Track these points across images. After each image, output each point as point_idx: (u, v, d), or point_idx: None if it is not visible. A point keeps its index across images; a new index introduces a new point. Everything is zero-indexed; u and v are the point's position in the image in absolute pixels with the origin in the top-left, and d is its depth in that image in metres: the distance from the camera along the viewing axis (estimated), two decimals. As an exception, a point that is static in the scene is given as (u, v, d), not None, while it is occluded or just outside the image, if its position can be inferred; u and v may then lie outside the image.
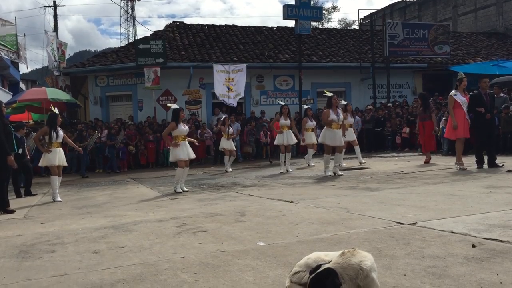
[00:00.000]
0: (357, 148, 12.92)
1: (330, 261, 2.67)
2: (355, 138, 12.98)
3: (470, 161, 9.99)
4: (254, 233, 4.75)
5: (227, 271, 3.46)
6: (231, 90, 15.74)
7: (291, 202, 6.71)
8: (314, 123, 12.91)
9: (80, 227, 5.82)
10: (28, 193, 10.35)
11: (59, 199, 9.06)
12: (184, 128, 9.42)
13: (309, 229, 4.73)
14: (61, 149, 9.46)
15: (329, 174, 10.27)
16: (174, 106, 9.76)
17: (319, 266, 2.65)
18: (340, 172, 10.33)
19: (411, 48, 21.41)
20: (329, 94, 10.77)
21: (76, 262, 4.03)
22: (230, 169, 13.49)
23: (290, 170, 11.98)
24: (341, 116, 10.60)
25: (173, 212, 6.56)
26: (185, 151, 9.35)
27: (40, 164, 9.60)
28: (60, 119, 9.74)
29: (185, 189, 9.30)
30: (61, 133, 9.45)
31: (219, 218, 5.81)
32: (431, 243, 3.81)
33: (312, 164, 13.14)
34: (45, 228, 5.97)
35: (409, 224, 4.60)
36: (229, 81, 16.11)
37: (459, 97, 9.61)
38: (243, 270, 3.45)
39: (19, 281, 3.58)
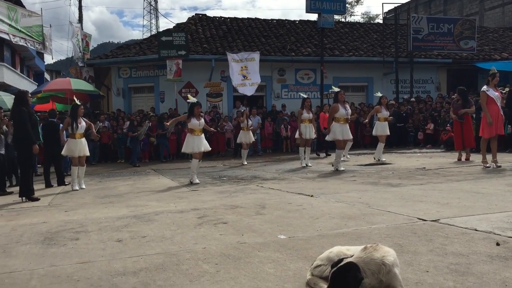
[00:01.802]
0: (381, 145, 12.41)
1: (352, 256, 2.67)
2: (387, 134, 12.35)
3: (503, 159, 9.81)
4: (274, 226, 4.76)
5: (248, 262, 3.48)
6: (247, 78, 15.63)
7: (312, 196, 6.70)
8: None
9: (103, 216, 5.92)
10: (62, 183, 10.43)
11: (76, 187, 9.30)
12: (197, 122, 9.54)
13: (330, 223, 4.72)
14: (83, 140, 9.62)
15: (342, 169, 10.22)
16: (192, 99, 9.89)
17: (341, 260, 2.65)
18: (341, 168, 10.32)
19: (435, 43, 21.08)
20: (336, 89, 10.90)
21: (99, 250, 4.10)
22: (246, 162, 13.57)
23: (310, 164, 11.94)
24: (349, 110, 10.70)
25: (193, 204, 6.61)
26: (196, 144, 9.53)
27: (62, 153, 9.80)
28: (82, 110, 9.87)
29: (197, 181, 9.40)
30: (83, 124, 9.61)
31: (239, 210, 5.83)
32: (454, 240, 3.76)
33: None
34: (69, 216, 6.08)
35: (431, 220, 4.55)
36: (245, 69, 16.04)
37: (492, 93, 9.35)
38: (264, 262, 3.46)
39: (45, 267, 3.66)
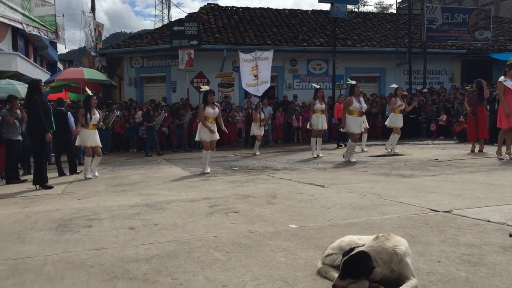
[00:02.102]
0: (395, 136, 12.21)
1: (364, 245, 2.67)
2: (400, 125, 12.20)
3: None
4: (285, 215, 4.76)
5: (259, 251, 3.49)
6: (257, 77, 15.37)
7: (323, 186, 6.69)
8: (324, 106, 12.17)
9: (116, 204, 5.97)
10: (74, 172, 10.49)
11: (89, 176, 9.40)
12: (212, 110, 9.50)
13: (341, 213, 4.72)
14: (95, 131, 9.68)
15: (354, 160, 10.13)
16: (205, 88, 9.89)
17: (352, 249, 2.64)
18: (353, 159, 10.17)
19: (450, 33, 20.83)
20: (353, 82, 10.71)
21: (112, 237, 4.15)
22: (258, 152, 13.62)
23: (321, 155, 11.90)
24: (364, 104, 10.57)
25: (205, 193, 6.64)
26: (208, 134, 9.51)
27: (76, 143, 9.88)
28: (95, 100, 9.90)
29: (208, 170, 9.42)
30: (97, 115, 9.68)
31: (250, 200, 5.85)
32: (467, 231, 3.74)
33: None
34: (82, 204, 6.15)
35: (444, 211, 4.52)
36: (255, 68, 15.71)
37: (509, 83, 9.20)
38: (275, 250, 3.47)
39: (58, 253, 3.71)
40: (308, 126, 12.87)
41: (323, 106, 12.06)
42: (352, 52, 20.64)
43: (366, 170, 8.65)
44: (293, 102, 19.18)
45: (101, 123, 10.39)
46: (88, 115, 9.43)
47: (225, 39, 19.76)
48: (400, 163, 9.54)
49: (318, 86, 12.44)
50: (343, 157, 10.55)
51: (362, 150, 12.93)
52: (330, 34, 20.81)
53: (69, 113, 11.10)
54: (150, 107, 17.10)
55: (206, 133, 9.50)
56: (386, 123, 12.75)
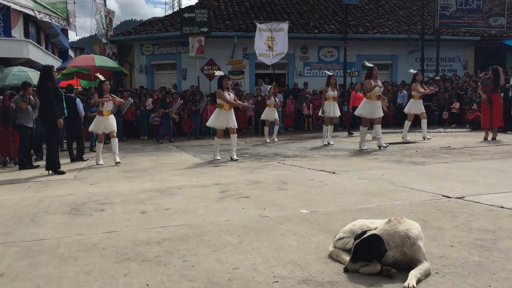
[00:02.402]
0: (408, 123, 11.98)
1: (376, 228, 2.66)
2: (423, 111, 12.03)
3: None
4: (296, 201, 4.76)
5: (270, 235, 3.50)
6: (272, 49, 15.33)
7: (334, 173, 6.67)
8: (336, 93, 12.03)
9: (127, 189, 6.01)
10: (79, 158, 10.46)
11: (101, 162, 9.39)
12: (228, 96, 9.30)
13: (352, 199, 4.70)
14: (110, 116, 9.55)
15: (365, 148, 10.02)
16: (219, 73, 9.75)
17: (364, 233, 2.64)
18: (384, 144, 10.05)
19: (463, 20, 20.48)
20: (370, 64, 10.44)
21: (124, 221, 4.18)
22: (269, 140, 13.45)
23: (332, 142, 11.83)
24: (382, 87, 10.38)
25: (216, 179, 6.65)
26: (224, 120, 9.28)
27: (89, 129, 9.89)
28: (108, 85, 9.77)
29: (235, 157, 9.15)
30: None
31: (261, 185, 5.85)
32: (480, 216, 3.71)
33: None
34: (94, 189, 6.20)
35: (456, 198, 4.49)
36: (271, 39, 15.70)
37: None
38: (286, 235, 3.48)
39: (72, 236, 3.75)
40: (319, 114, 12.76)
41: (336, 93, 11.95)
42: (363, 39, 20.41)
43: (377, 157, 8.61)
44: (304, 89, 19.07)
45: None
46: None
47: (235, 26, 19.64)
48: (411, 150, 9.47)
49: (330, 73, 12.35)
50: (360, 147, 10.22)
51: (373, 138, 12.79)
52: (342, 21, 20.58)
53: (78, 99, 11.07)
54: (167, 94, 17.06)
55: (222, 121, 9.28)
56: (405, 110, 12.41)
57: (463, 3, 20.35)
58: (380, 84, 10.31)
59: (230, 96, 9.38)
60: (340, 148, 10.87)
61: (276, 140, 13.40)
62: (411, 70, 12.70)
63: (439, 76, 19.71)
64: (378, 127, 10.21)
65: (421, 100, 12.03)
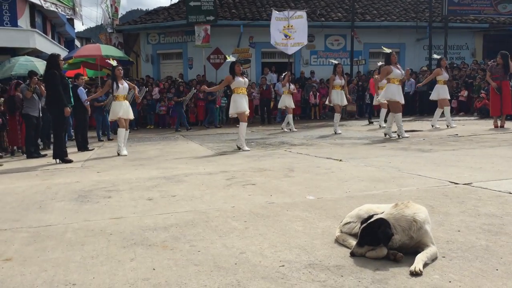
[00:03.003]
0: (447, 109, 11.70)
1: (382, 213, 2.64)
2: (447, 97, 11.87)
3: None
4: (302, 187, 4.76)
5: (276, 221, 3.50)
6: (290, 37, 15.09)
7: (340, 160, 6.65)
8: (344, 81, 11.84)
9: (134, 177, 6.03)
10: (84, 148, 10.40)
11: (124, 152, 8.98)
12: (242, 80, 8.94)
13: (359, 186, 4.69)
14: (126, 102, 9.31)
15: (407, 136, 9.60)
16: (231, 58, 9.46)
17: (371, 217, 2.62)
18: (406, 135, 9.65)
19: (472, 7, 20.22)
20: (388, 50, 10.15)
21: (131, 207, 4.20)
22: (295, 129, 13.12)
23: (340, 131, 11.73)
24: (403, 71, 10.14)
25: (222, 166, 6.66)
26: (244, 104, 8.95)
27: (109, 118, 9.85)
28: (120, 70, 9.40)
29: (246, 148, 8.81)
30: (125, 85, 9.29)
31: (267, 173, 5.85)
32: (487, 202, 3.69)
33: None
34: (101, 177, 6.22)
35: (464, 184, 4.46)
36: (288, 28, 15.39)
37: None
38: (293, 220, 3.48)
39: (79, 222, 3.77)
40: (326, 102, 12.69)
41: (343, 81, 11.86)
42: (371, 27, 20.26)
43: (384, 145, 8.57)
44: (310, 78, 18.99)
45: (137, 93, 10.31)
46: (115, 86, 9.07)
47: (241, 14, 19.55)
48: (419, 138, 9.42)
49: (336, 62, 12.28)
50: (385, 135, 9.91)
51: (380, 126, 12.78)
52: (349, 9, 20.42)
53: (80, 88, 10.87)
54: (182, 82, 17.02)
55: (241, 104, 8.87)
56: (431, 97, 12.21)
57: (472, -11, 20.09)
58: (400, 67, 10.12)
59: (245, 80, 9.09)
60: (347, 136, 10.83)
61: (295, 129, 13.16)
62: (435, 56, 12.57)
63: (447, 64, 19.51)
64: (399, 116, 9.74)
65: (446, 86, 11.87)
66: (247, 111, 9.16)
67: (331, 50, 20.53)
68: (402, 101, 9.94)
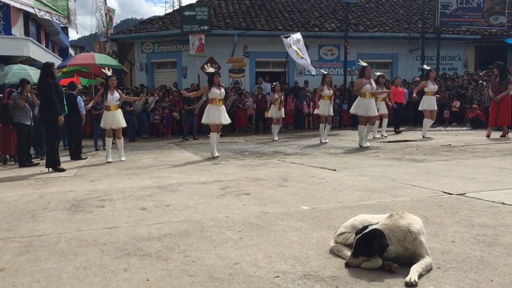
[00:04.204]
0: (426, 121, 11.92)
1: (377, 223, 2.64)
2: (434, 109, 12.02)
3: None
4: (297, 197, 4.75)
5: (271, 231, 3.49)
6: (304, 58, 15.04)
7: (334, 170, 6.66)
8: (332, 92, 11.91)
9: (127, 186, 6.00)
10: (77, 157, 10.18)
11: (109, 159, 9.31)
12: (218, 91, 9.19)
13: (353, 196, 4.69)
14: (117, 112, 9.49)
15: (366, 145, 9.95)
16: (210, 69, 9.74)
17: (365, 227, 2.62)
18: (366, 144, 9.98)
19: (464, 18, 20.44)
20: (364, 64, 10.33)
21: (124, 217, 4.17)
22: (277, 138, 13.27)
23: (327, 141, 11.69)
24: (374, 85, 10.35)
25: (216, 176, 6.64)
26: (217, 115, 9.24)
27: (101, 125, 9.85)
28: (114, 81, 9.58)
29: (216, 154, 9.23)
30: (116, 95, 9.42)
31: (262, 182, 5.84)
32: (481, 213, 3.70)
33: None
34: (94, 186, 6.18)
35: (457, 194, 4.48)
36: (299, 51, 15.28)
37: None
38: (287, 230, 3.47)
39: (72, 231, 3.74)
40: (315, 112, 12.74)
41: (331, 92, 11.91)
42: (364, 38, 20.39)
43: (378, 155, 8.59)
44: (304, 88, 19.06)
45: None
46: (105, 95, 9.25)
47: (236, 24, 19.62)
48: (412, 148, 9.46)
49: (326, 72, 12.38)
50: (360, 145, 10.14)
51: (382, 136, 12.77)
52: (342, 19, 20.57)
53: (79, 97, 11.01)
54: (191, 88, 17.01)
55: (214, 115, 9.24)
56: (419, 107, 12.36)
57: (463, 1, 20.31)
58: (373, 82, 10.36)
59: (220, 91, 9.30)
60: (340, 146, 10.86)
61: (276, 139, 13.25)
62: (425, 66, 12.69)
63: (440, 74, 19.68)
64: (383, 125, 10.18)
65: (434, 97, 12.05)
66: (218, 123, 9.33)
67: (325, 60, 20.62)
68: (375, 113, 10.30)
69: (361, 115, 10.22)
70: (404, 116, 16.51)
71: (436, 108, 12.15)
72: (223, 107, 9.50)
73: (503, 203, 3.98)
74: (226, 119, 9.46)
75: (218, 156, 9.20)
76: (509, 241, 2.93)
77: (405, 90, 17.55)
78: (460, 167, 6.39)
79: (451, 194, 4.51)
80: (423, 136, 11.75)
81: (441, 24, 20.20)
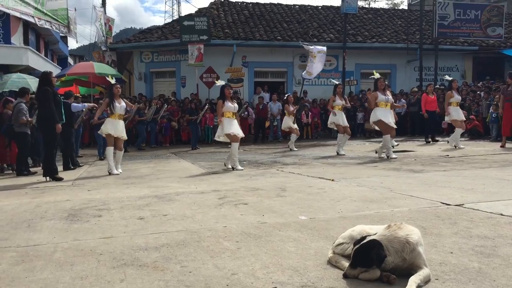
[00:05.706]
0: (457, 131, 11.65)
1: (375, 234, 2.63)
2: (462, 119, 11.92)
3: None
4: (295, 207, 4.74)
5: (268, 241, 3.47)
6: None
7: (332, 180, 6.65)
8: (343, 102, 11.65)
9: (125, 196, 5.98)
10: (67, 168, 9.85)
11: (115, 172, 8.77)
12: (231, 105, 8.96)
13: (351, 206, 4.68)
14: (121, 121, 9.05)
15: (394, 156, 9.60)
16: (220, 82, 9.57)
17: (363, 238, 2.61)
18: (394, 156, 9.65)
19: (462, 30, 20.61)
20: (377, 76, 10.21)
21: (121, 227, 4.15)
22: (296, 148, 12.99)
23: (344, 153, 11.24)
24: (390, 97, 10.13)
25: (214, 185, 6.63)
26: (233, 127, 8.97)
27: (99, 131, 9.48)
28: (118, 89, 9.22)
29: (239, 167, 8.77)
30: (123, 104, 9.07)
31: (260, 192, 5.83)
32: (479, 224, 3.69)
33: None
34: (92, 195, 6.16)
35: (455, 205, 4.47)
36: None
37: None
38: (285, 241, 3.45)
39: (68, 241, 3.72)
40: (328, 125, 12.46)
41: (343, 102, 11.72)
42: (362, 48, 20.50)
43: (376, 165, 8.60)
44: (303, 98, 19.09)
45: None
46: (112, 105, 8.83)
47: (234, 34, 19.71)
48: (410, 158, 9.47)
49: (337, 82, 12.30)
50: (376, 152, 9.99)
51: (392, 146, 12.57)
52: (341, 30, 20.69)
53: (73, 103, 10.72)
54: (194, 100, 16.99)
55: (228, 126, 8.89)
56: (445, 119, 12.22)
57: (461, 13, 20.48)
58: (388, 93, 10.16)
59: (234, 105, 9.06)
60: (339, 156, 10.85)
61: (295, 149, 13.08)
62: (447, 77, 12.67)
63: (437, 85, 19.75)
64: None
65: (459, 107, 11.94)
66: (237, 133, 9.05)
67: (324, 70, 20.49)
68: (389, 123, 9.87)
69: (382, 122, 9.77)
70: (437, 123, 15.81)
71: (464, 117, 12.01)
72: (235, 120, 9.15)
73: (502, 214, 3.98)
74: (240, 132, 9.18)
75: (242, 169, 8.72)
76: (507, 253, 2.92)
77: (403, 100, 17.64)
78: (458, 177, 6.39)
79: (449, 205, 4.50)
80: (455, 147, 11.38)
81: (439, 35, 20.34)
